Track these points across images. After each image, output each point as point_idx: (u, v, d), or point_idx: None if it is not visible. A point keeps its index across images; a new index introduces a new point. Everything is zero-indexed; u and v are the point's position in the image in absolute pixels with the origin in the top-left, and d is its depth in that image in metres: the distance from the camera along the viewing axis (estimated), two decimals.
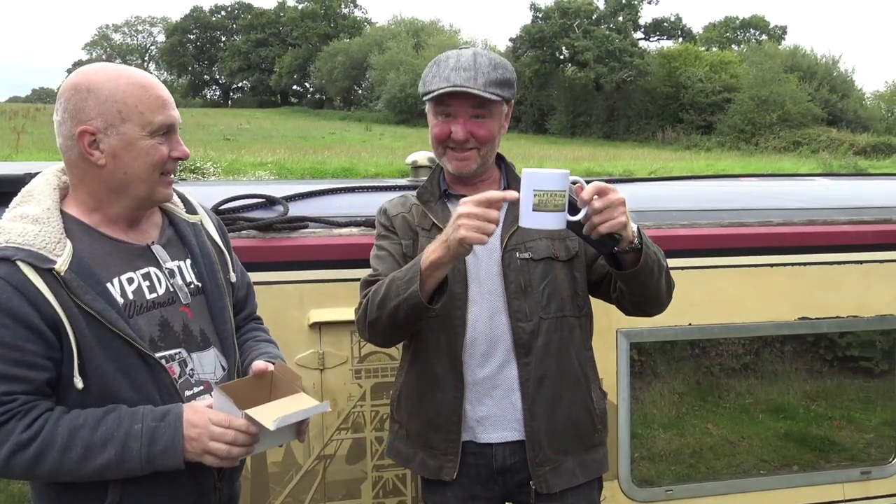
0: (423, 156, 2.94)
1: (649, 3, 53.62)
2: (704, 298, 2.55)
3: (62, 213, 1.54)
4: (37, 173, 2.38)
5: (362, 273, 2.09)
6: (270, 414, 1.47)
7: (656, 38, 54.42)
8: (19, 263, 1.42)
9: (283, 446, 2.29)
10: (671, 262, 2.57)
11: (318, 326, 2.31)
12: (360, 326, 1.87)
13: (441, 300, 1.75)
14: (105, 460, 1.44)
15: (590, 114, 46.96)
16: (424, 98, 1.89)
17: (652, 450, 4.85)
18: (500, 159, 2.02)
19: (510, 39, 50.58)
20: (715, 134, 39.99)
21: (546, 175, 1.58)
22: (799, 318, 2.65)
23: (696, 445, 4.86)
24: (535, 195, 1.57)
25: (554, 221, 1.59)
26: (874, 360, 3.85)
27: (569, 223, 1.62)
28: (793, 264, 2.62)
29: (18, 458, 1.41)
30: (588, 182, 1.66)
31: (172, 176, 1.60)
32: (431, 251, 1.69)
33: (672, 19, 54.96)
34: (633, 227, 1.70)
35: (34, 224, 1.47)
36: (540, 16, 49.36)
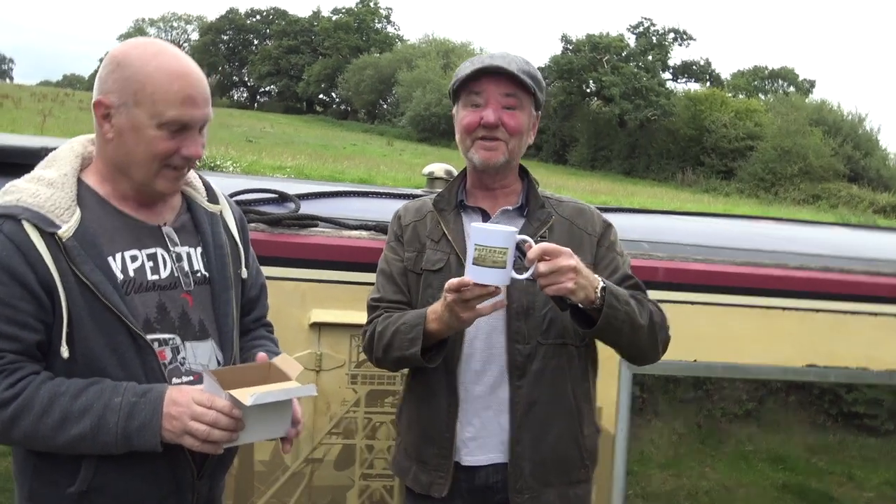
0: (440, 167, 2.92)
1: (679, 45, 53.75)
2: (712, 336, 2.51)
3: (80, 181, 1.53)
4: (53, 148, 2.38)
5: (369, 277, 2.07)
6: (253, 394, 1.41)
7: (684, 80, 54.61)
8: (24, 223, 1.42)
9: (272, 445, 2.25)
10: (682, 297, 2.56)
11: (317, 327, 2.28)
12: (367, 355, 1.93)
13: (438, 359, 1.79)
14: (80, 431, 1.41)
15: (611, 148, 47.01)
16: (454, 87, 1.88)
17: (647, 488, 4.78)
18: (524, 173, 1.98)
19: (538, 68, 50.78)
20: (735, 180, 39.91)
21: (487, 231, 1.60)
22: (807, 365, 2.60)
23: (693, 488, 4.79)
24: (475, 249, 1.59)
25: (494, 277, 1.59)
26: (880, 418, 3.78)
27: (519, 280, 1.65)
28: (804, 309, 2.57)
29: None
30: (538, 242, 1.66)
31: (185, 171, 1.56)
32: (432, 319, 1.72)
33: (701, 63, 55.17)
34: (598, 286, 1.68)
35: (48, 187, 1.47)
36: (570, 47, 49.66)
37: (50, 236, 1.42)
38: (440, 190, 2.05)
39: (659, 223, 3.01)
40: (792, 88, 58.66)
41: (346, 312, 2.26)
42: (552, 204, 1.94)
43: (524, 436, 1.83)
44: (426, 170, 3.00)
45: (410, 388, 1.97)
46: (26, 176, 1.51)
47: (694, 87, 52.48)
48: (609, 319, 1.69)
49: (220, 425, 1.42)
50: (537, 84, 1.86)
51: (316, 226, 2.37)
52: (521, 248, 1.63)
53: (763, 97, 53.60)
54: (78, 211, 1.47)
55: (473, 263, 1.58)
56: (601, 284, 1.69)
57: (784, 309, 2.56)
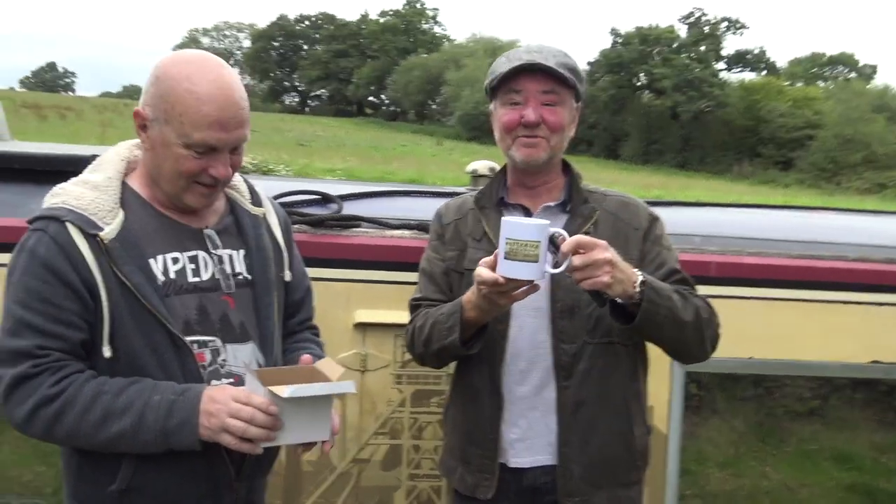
0: (483, 165, 2.89)
1: (733, 34, 52.55)
2: (768, 332, 2.42)
3: (124, 184, 1.56)
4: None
5: (412, 277, 2.05)
6: (290, 388, 1.40)
7: (738, 69, 53.35)
8: (68, 225, 1.45)
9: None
10: (736, 292, 2.47)
11: (362, 327, 2.28)
12: (411, 353, 1.91)
13: (478, 345, 1.76)
14: (121, 428, 1.42)
15: (664, 142, 46.22)
16: (492, 84, 1.83)
17: (705, 488, 4.65)
18: (566, 168, 1.93)
19: (588, 63, 50.27)
20: (794, 171, 38.80)
21: (518, 224, 1.56)
22: (871, 362, 2.48)
23: (753, 488, 4.65)
24: (506, 243, 1.54)
25: (526, 272, 1.55)
26: None
27: (553, 274, 1.61)
28: (867, 303, 2.46)
29: (41, 413, 1.42)
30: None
31: (217, 188, 1.55)
32: (469, 308, 1.70)
33: (756, 52, 53.82)
34: (637, 280, 1.62)
35: (93, 190, 1.50)
36: (620, 41, 49.00)
37: (93, 238, 1.45)
38: (482, 187, 2.02)
39: (711, 216, 2.92)
40: (853, 74, 56.72)
41: (391, 312, 2.25)
42: (596, 198, 1.88)
43: (572, 438, 1.79)
44: (469, 167, 2.97)
45: (455, 389, 1.95)
46: (73, 179, 1.55)
47: (749, 76, 51.21)
48: (648, 315, 1.64)
49: (257, 422, 1.41)
50: (577, 76, 1.81)
51: (358, 226, 2.36)
52: (554, 242, 1.58)
53: (822, 84, 51.96)
54: (121, 213, 1.49)
55: (505, 258, 1.54)
56: (640, 278, 1.63)
57: (845, 303, 2.45)
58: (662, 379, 2.34)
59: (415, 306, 1.92)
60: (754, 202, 4.42)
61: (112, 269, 1.45)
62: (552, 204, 1.86)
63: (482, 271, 1.59)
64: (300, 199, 2.46)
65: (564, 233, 1.60)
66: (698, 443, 5.11)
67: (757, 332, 2.40)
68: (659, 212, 1.94)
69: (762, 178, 37.74)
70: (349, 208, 2.47)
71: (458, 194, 2.74)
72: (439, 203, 2.19)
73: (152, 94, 1.49)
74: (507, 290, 1.58)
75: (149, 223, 1.54)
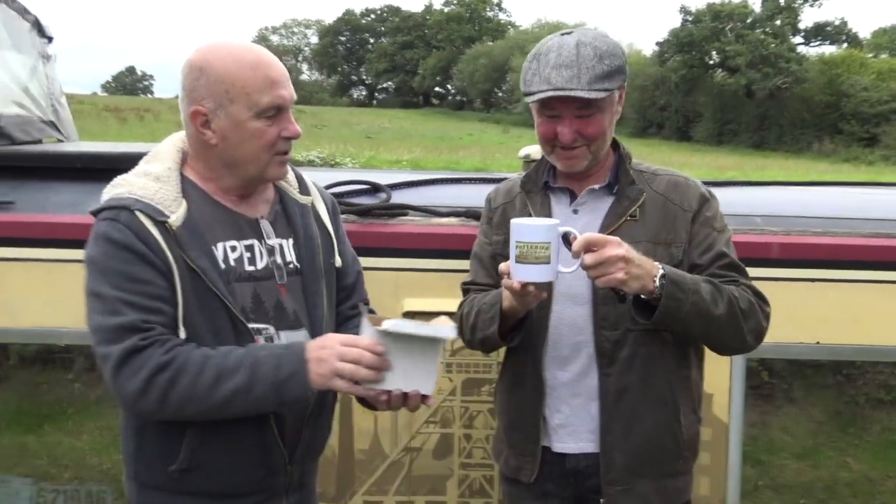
0: (536, 149, 2.83)
1: (811, 6, 50.32)
2: (835, 315, 2.30)
3: (182, 175, 1.59)
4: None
5: (460, 264, 2.04)
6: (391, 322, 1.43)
7: (817, 43, 51.06)
8: (137, 213, 1.48)
9: (371, 434, 2.27)
10: (799, 274, 2.36)
11: (411, 315, 2.27)
12: (461, 336, 1.88)
13: (518, 338, 1.75)
14: (235, 385, 1.44)
15: (739, 121, 44.69)
16: (526, 99, 1.76)
17: (778, 479, 4.49)
18: (616, 145, 1.85)
19: (657, 43, 49.03)
20: (880, 147, 36.91)
21: (526, 226, 1.53)
22: None
23: (831, 479, 4.46)
24: (517, 247, 1.52)
25: (539, 274, 1.52)
26: None
27: (565, 273, 1.58)
28: None
29: (156, 380, 1.44)
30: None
31: (288, 154, 1.61)
32: (506, 299, 1.68)
33: (836, 23, 51.38)
34: (657, 274, 1.57)
35: (155, 181, 1.53)
36: (690, 19, 47.56)
37: (161, 224, 1.49)
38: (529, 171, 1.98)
39: (774, 195, 2.80)
40: None
41: (440, 300, 2.23)
42: (646, 178, 1.80)
43: (615, 426, 1.75)
44: (522, 152, 2.93)
45: (502, 374, 1.94)
46: (133, 171, 1.59)
47: (829, 49, 48.97)
48: (669, 311, 1.58)
49: (365, 362, 1.43)
50: (616, 77, 1.70)
51: (406, 214, 2.36)
52: (568, 240, 1.56)
53: None
54: (184, 202, 1.53)
55: (517, 261, 1.52)
56: (661, 272, 1.58)
57: None
58: (722, 366, 2.26)
59: (465, 290, 1.92)
60: (825, 180, 4.21)
61: (181, 254, 1.49)
62: (596, 187, 1.80)
63: (503, 277, 1.59)
64: (350, 189, 2.47)
65: (575, 231, 1.57)
66: (770, 432, 4.94)
67: (823, 315, 2.29)
68: (718, 192, 1.85)
69: (844, 156, 36.07)
70: (399, 197, 2.48)
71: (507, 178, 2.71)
72: (488, 189, 2.16)
73: (204, 86, 1.51)
74: (526, 293, 1.56)
75: (209, 212, 1.57)
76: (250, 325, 1.55)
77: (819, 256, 2.30)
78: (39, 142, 3.01)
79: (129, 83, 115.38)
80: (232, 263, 1.56)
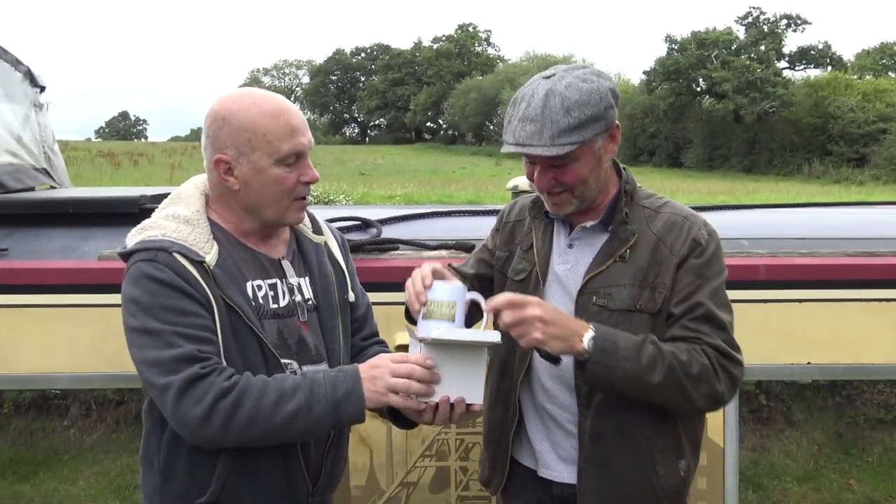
0: (523, 181, 2.90)
1: (794, 30, 51.03)
2: (825, 335, 2.31)
3: (207, 217, 1.64)
4: (152, 195, 2.53)
5: None
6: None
7: (802, 66, 51.73)
8: (175, 254, 1.53)
9: (367, 470, 2.26)
10: (788, 295, 2.37)
11: (404, 349, 2.27)
12: None
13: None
14: (296, 405, 1.49)
15: (728, 146, 45.04)
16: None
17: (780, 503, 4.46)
18: (620, 173, 1.79)
19: (644, 72, 49.63)
20: (869, 167, 37.19)
21: (435, 285, 1.58)
22: None
23: (835, 501, 4.42)
24: (424, 304, 1.57)
25: (441, 330, 1.54)
26: None
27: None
28: None
29: (219, 406, 1.46)
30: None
31: (306, 199, 1.66)
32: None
33: (820, 47, 52.11)
34: (585, 336, 1.56)
35: (186, 224, 1.58)
36: (675, 47, 48.23)
37: (199, 264, 1.54)
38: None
39: (761, 218, 2.83)
40: None
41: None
42: (646, 216, 1.74)
43: (590, 469, 1.72)
44: (510, 184, 2.99)
45: (487, 397, 1.91)
46: (161, 213, 1.63)
47: (814, 73, 49.59)
48: (598, 375, 1.58)
49: (416, 375, 1.49)
50: (586, 129, 1.61)
51: (396, 248, 2.38)
52: (479, 307, 1.59)
53: (894, 75, 49.88)
54: (216, 244, 1.59)
55: (423, 318, 1.56)
56: (589, 335, 1.56)
57: None
58: None
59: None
60: (813, 201, 4.25)
61: (219, 292, 1.54)
62: (588, 225, 1.76)
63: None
64: (342, 225, 2.49)
65: (482, 299, 1.59)
66: (770, 456, 4.92)
67: (813, 335, 2.31)
68: (706, 217, 1.78)
69: (835, 177, 36.32)
70: (389, 232, 2.50)
71: (497, 212, 2.74)
72: (477, 221, 2.20)
73: (227, 134, 1.57)
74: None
75: (236, 253, 1.63)
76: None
77: (806, 277, 2.32)
78: (32, 189, 3.04)
79: (123, 128, 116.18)
80: (260, 301, 1.62)
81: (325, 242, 1.80)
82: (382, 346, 1.89)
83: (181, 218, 1.59)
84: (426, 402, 1.51)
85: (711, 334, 1.64)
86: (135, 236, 1.58)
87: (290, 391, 1.50)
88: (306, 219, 1.78)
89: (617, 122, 1.69)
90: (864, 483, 4.69)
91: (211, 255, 1.55)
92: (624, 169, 1.80)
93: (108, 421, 4.94)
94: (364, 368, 1.54)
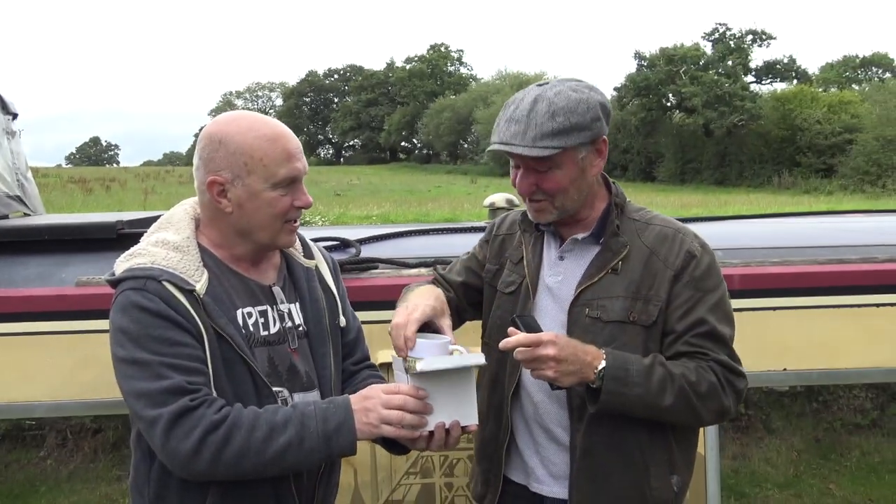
0: (500, 197, 2.92)
1: (759, 45, 52.04)
2: (799, 341, 2.36)
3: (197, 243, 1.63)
4: (129, 220, 2.52)
5: None
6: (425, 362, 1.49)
7: (768, 80, 52.75)
8: (165, 283, 1.51)
9: (351, 489, 2.25)
10: (761, 303, 2.42)
11: (385, 368, 2.28)
12: None
13: None
14: (287, 439, 1.47)
15: (700, 160, 45.70)
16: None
17: None
18: (609, 188, 1.81)
19: (615, 89, 50.28)
20: (836, 177, 37.94)
21: (420, 343, 1.58)
22: None
23: None
24: (405, 360, 1.56)
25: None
26: None
27: None
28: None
29: (209, 440, 1.44)
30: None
31: (296, 223, 1.65)
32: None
33: (785, 61, 53.21)
34: (598, 366, 1.58)
35: (175, 251, 1.56)
36: (644, 64, 48.99)
37: (189, 293, 1.52)
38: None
39: (733, 229, 2.89)
40: (888, 74, 55.61)
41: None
42: (637, 228, 1.75)
43: (583, 483, 1.72)
44: (487, 201, 3.00)
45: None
46: (150, 238, 1.61)
47: (780, 86, 50.56)
48: (611, 404, 1.60)
49: (409, 407, 1.49)
50: (569, 135, 1.63)
51: (376, 268, 2.40)
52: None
53: (857, 87, 51.02)
54: (206, 272, 1.57)
55: (406, 372, 1.55)
56: (601, 365, 1.59)
57: (878, 306, 2.38)
58: None
59: (434, 280, 1.96)
60: (781, 211, 4.34)
61: (209, 321, 1.52)
62: (580, 237, 1.77)
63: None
64: (320, 246, 2.50)
65: (461, 348, 1.60)
66: (751, 464, 4.97)
67: (788, 342, 2.35)
68: None
69: (804, 188, 36.98)
70: (367, 251, 2.51)
71: (475, 229, 2.77)
72: (455, 239, 2.21)
73: (223, 157, 1.55)
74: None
75: (226, 280, 1.61)
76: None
77: (779, 285, 2.37)
78: (6, 217, 3.01)
79: (94, 153, 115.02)
80: (251, 329, 1.60)
81: (317, 266, 1.77)
82: (373, 371, 1.87)
83: (171, 244, 1.57)
84: (419, 432, 1.51)
85: (716, 350, 1.67)
86: (123, 263, 1.56)
87: (281, 424, 1.47)
88: (297, 242, 1.76)
89: (605, 136, 1.71)
90: (843, 487, 4.75)
91: (201, 284, 1.53)
92: (613, 183, 1.82)
93: (85, 450, 4.86)
94: (356, 400, 1.52)
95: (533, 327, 1.61)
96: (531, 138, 1.62)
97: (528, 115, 1.63)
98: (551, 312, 1.76)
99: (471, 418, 1.56)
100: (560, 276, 1.77)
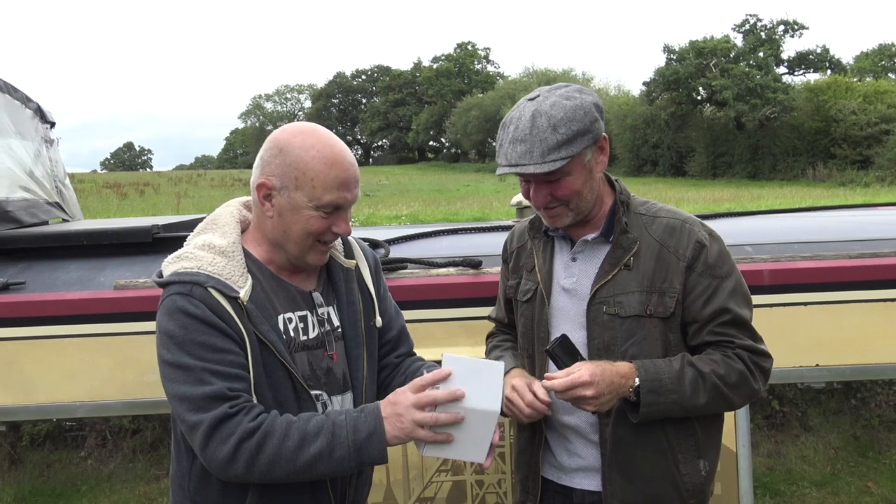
0: None
1: (791, 36, 51.10)
2: (832, 336, 2.34)
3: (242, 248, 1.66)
4: (164, 224, 2.58)
5: (460, 312, 2.11)
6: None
7: (801, 71, 51.78)
8: (210, 289, 1.54)
9: (384, 487, 2.28)
10: (792, 299, 2.40)
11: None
12: None
13: None
14: (318, 448, 1.50)
15: (731, 154, 45.02)
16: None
17: None
18: (614, 185, 1.84)
19: (643, 83, 49.78)
20: (873, 168, 37.12)
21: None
22: None
23: None
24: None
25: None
26: None
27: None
28: None
29: (244, 447, 1.48)
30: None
31: (329, 245, 1.66)
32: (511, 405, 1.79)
33: (818, 51, 52.19)
34: (633, 385, 1.66)
35: (221, 256, 1.59)
36: (674, 57, 48.40)
37: (233, 300, 1.55)
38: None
39: (763, 224, 2.86)
40: None
41: (442, 349, 2.28)
42: (644, 222, 1.78)
43: (614, 475, 1.77)
44: (514, 200, 3.01)
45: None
46: (197, 240, 1.64)
47: (813, 77, 49.62)
48: (650, 414, 1.68)
49: (440, 399, 1.50)
50: (577, 142, 1.66)
51: (405, 268, 2.42)
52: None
53: (894, 76, 49.90)
54: (250, 278, 1.60)
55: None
56: (636, 384, 1.66)
57: None
58: None
59: (491, 333, 2.06)
60: (816, 205, 4.27)
61: (252, 328, 1.55)
62: (589, 238, 1.81)
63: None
64: (363, 244, 2.53)
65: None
66: (787, 462, 4.90)
67: (820, 337, 2.33)
68: (709, 224, 1.82)
69: (839, 180, 36.25)
70: (397, 251, 2.54)
71: (503, 228, 2.78)
72: (483, 238, 2.23)
73: (278, 165, 1.58)
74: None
75: (269, 285, 1.64)
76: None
77: (809, 280, 2.35)
78: (46, 223, 3.10)
79: (128, 158, 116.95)
80: (291, 334, 1.63)
81: (356, 266, 1.79)
82: (417, 361, 1.88)
83: (217, 248, 1.60)
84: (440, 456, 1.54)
85: (740, 335, 1.72)
86: (171, 265, 1.59)
87: (313, 434, 1.50)
88: (338, 242, 1.77)
89: (604, 133, 1.75)
90: (882, 485, 4.66)
91: (245, 290, 1.56)
92: (616, 180, 1.85)
93: (124, 450, 4.96)
94: (384, 406, 1.53)
95: (567, 347, 1.66)
96: (539, 155, 1.65)
97: (531, 133, 1.66)
98: (570, 313, 1.79)
99: (481, 457, 1.55)
100: (574, 276, 1.80)
